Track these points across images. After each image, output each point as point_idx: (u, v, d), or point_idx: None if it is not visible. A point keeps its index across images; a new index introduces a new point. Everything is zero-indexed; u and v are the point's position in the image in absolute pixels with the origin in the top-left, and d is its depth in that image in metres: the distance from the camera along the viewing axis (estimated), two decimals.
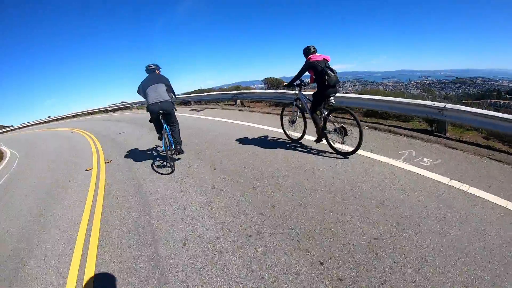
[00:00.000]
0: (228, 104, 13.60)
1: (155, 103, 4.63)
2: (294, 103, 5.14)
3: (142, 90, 4.86)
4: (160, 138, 5.09)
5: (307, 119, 5.09)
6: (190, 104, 17.13)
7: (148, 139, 8.24)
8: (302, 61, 4.47)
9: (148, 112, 4.83)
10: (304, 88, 5.05)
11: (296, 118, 5.20)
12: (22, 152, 12.15)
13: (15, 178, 7.39)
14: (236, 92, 12.99)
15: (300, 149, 5.01)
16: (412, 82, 65.68)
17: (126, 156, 6.87)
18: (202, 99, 16.81)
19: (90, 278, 2.70)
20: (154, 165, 5.53)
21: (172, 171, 4.84)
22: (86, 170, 6.35)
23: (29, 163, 9.29)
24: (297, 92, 5.02)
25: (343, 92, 7.63)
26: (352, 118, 4.05)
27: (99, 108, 29.54)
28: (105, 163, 6.54)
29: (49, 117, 38.52)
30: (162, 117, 4.80)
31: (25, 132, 25.29)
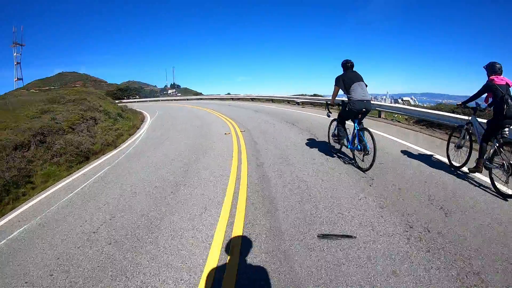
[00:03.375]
0: None
1: (361, 100, 5.40)
2: (465, 127, 5.45)
3: (345, 84, 5.54)
4: (337, 140, 6.19)
5: (473, 148, 5.36)
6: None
7: None
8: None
9: (346, 107, 5.67)
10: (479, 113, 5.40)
11: (464, 144, 5.49)
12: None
13: None
14: None
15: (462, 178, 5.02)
16: None
17: None
18: None
19: None
20: None
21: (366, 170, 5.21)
22: None
23: None
24: (470, 116, 5.43)
25: None
26: None
27: (284, 97, 24.56)
28: None
29: (228, 93, 40.79)
30: (359, 116, 5.59)
31: (193, 107, 23.53)
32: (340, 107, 6.07)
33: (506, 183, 4.26)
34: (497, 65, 4.54)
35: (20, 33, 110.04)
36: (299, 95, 24.43)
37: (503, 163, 4.29)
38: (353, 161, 5.82)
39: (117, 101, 54.08)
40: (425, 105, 16.33)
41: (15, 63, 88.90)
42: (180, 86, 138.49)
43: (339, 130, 6.09)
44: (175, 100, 44.73)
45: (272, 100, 25.56)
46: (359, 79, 5.57)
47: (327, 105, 6.55)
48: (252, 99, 29.00)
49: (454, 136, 5.87)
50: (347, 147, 6.11)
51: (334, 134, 6.35)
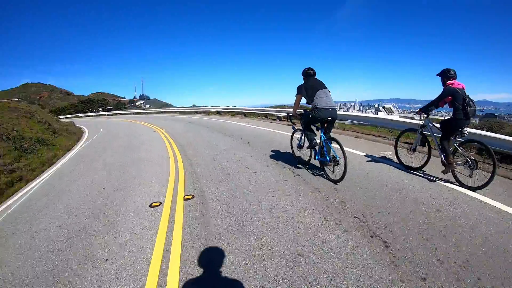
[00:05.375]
0: None
1: (327, 108, 4.91)
2: (420, 130, 5.38)
3: (308, 92, 5.06)
4: (311, 147, 5.42)
5: (432, 148, 5.36)
6: None
7: None
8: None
9: (309, 115, 5.18)
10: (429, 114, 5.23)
11: (418, 146, 5.42)
12: None
13: None
14: None
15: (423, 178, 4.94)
16: None
17: None
18: None
19: None
20: None
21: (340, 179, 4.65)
22: None
23: None
24: (423, 118, 5.28)
25: None
26: (486, 152, 4.54)
27: (259, 110, 19.35)
28: None
29: (194, 105, 37.11)
30: (325, 125, 5.12)
31: (147, 125, 17.81)
32: (302, 118, 5.56)
33: (470, 177, 4.43)
34: (451, 71, 4.62)
35: None
36: (277, 106, 19.37)
37: (466, 159, 4.49)
38: (322, 172, 5.24)
39: (72, 116, 49.23)
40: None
41: None
42: (149, 97, 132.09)
43: (309, 138, 5.43)
44: (134, 114, 38.99)
45: (244, 114, 20.21)
46: (323, 86, 5.12)
47: (289, 117, 6.00)
48: (219, 113, 23.52)
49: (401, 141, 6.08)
50: (314, 158, 5.44)
51: (300, 145, 5.86)
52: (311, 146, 5.42)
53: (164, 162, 7.04)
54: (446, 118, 5.00)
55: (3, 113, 14.44)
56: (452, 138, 4.73)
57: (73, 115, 50.58)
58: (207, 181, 5.21)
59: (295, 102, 5.44)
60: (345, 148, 4.62)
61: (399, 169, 5.42)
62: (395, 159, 5.82)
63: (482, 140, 4.66)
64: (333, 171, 4.91)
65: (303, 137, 5.75)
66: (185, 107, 35.26)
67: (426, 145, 5.38)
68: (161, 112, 34.81)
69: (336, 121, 10.97)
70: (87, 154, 9.39)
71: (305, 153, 5.85)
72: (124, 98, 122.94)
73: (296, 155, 6.18)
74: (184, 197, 4.48)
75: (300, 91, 5.21)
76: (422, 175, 5.09)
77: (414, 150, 5.44)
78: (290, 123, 6.08)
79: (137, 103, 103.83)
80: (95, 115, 45.37)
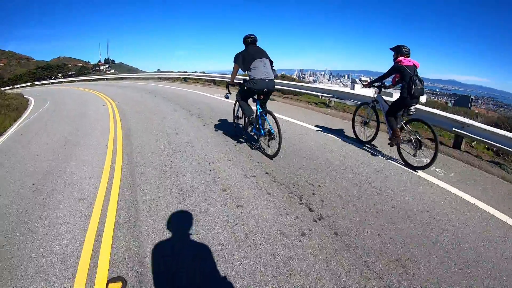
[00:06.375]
0: None
1: (263, 79, 4.55)
2: (371, 104, 5.32)
3: (247, 61, 4.61)
4: (249, 121, 4.91)
5: (380, 123, 5.25)
6: None
7: None
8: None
9: (244, 86, 4.75)
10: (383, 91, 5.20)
11: (370, 120, 5.43)
12: None
13: None
14: None
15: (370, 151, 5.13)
16: None
17: None
18: None
19: None
20: None
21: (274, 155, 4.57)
22: None
23: None
24: (376, 94, 5.20)
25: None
26: (431, 132, 4.33)
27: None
28: None
29: (158, 70, 34.36)
30: (260, 97, 4.79)
31: (99, 94, 15.02)
32: (239, 88, 5.11)
33: (414, 156, 4.38)
34: (405, 48, 4.43)
35: None
36: None
37: (410, 138, 4.39)
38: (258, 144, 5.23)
39: (28, 84, 44.47)
40: None
41: None
42: (114, 61, 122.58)
43: (243, 109, 5.01)
44: (93, 80, 35.38)
45: (214, 82, 17.69)
46: (262, 55, 4.73)
47: (228, 85, 5.45)
48: (185, 79, 20.77)
49: (358, 115, 5.78)
50: (251, 131, 5.07)
51: (238, 116, 5.71)
52: (249, 120, 4.94)
53: (100, 156, 4.79)
54: None
55: None
56: (399, 114, 4.63)
57: (29, 84, 46.04)
58: (152, 231, 3.09)
59: (232, 70, 5.04)
60: None
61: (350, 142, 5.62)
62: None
63: (424, 118, 4.68)
64: (268, 146, 4.81)
65: (237, 107, 5.56)
66: (149, 72, 32.14)
67: (376, 120, 5.30)
68: (123, 78, 31.02)
69: (335, 100, 9.25)
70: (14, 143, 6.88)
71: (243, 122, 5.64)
72: (88, 62, 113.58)
73: (236, 127, 6.10)
74: (107, 284, 2.39)
75: (237, 59, 4.81)
76: (368, 148, 5.26)
77: (365, 124, 5.49)
78: (226, 91, 5.55)
79: (102, 67, 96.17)
80: (51, 83, 41.04)
